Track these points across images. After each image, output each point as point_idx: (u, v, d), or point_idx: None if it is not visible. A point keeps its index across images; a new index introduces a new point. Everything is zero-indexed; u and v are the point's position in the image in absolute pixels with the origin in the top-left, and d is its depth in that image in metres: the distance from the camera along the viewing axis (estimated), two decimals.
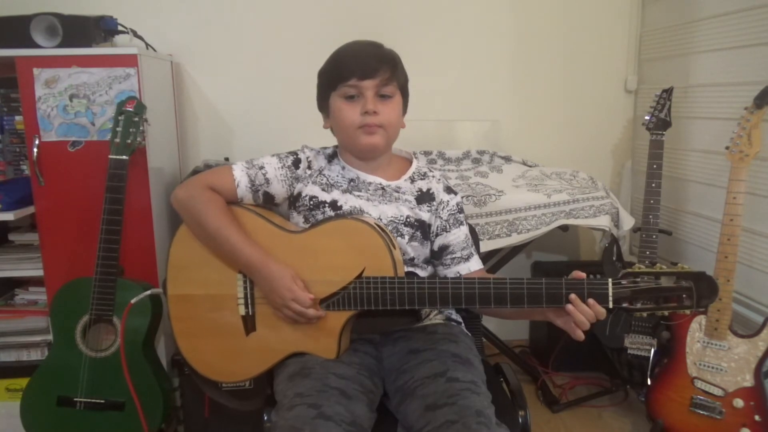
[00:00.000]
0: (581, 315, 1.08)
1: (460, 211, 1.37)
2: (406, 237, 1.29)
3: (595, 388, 2.35)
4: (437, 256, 1.34)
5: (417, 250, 1.31)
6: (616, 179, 2.68)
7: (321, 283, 1.17)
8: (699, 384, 1.78)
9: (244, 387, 1.75)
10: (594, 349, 2.13)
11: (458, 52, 2.50)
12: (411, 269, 1.31)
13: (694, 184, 2.23)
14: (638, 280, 1.08)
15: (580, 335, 1.10)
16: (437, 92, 2.49)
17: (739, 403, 1.72)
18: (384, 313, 1.18)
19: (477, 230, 1.98)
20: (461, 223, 1.36)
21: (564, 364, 2.43)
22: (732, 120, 1.85)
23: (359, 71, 1.24)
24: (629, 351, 2.01)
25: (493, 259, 2.33)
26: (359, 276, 1.15)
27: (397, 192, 1.33)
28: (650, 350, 1.98)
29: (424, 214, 1.32)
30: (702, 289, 1.07)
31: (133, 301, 1.72)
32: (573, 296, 1.08)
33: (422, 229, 1.31)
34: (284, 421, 1.04)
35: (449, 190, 1.37)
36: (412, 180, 1.36)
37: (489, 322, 2.43)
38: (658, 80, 2.45)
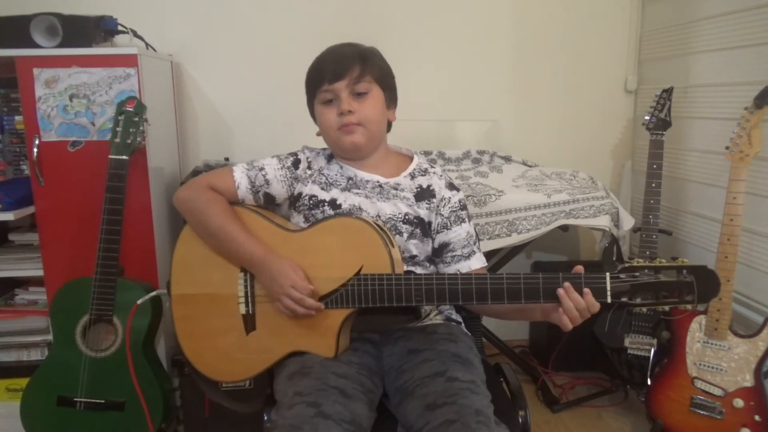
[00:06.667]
0: (570, 302, 1.07)
1: (463, 208, 1.35)
2: (405, 235, 1.29)
3: (595, 388, 2.35)
4: (438, 253, 1.34)
5: (418, 247, 1.30)
6: (616, 179, 2.68)
7: (320, 281, 1.17)
8: (699, 384, 1.78)
9: (244, 387, 1.76)
10: (594, 349, 2.13)
11: (458, 52, 2.50)
12: (412, 267, 1.30)
13: (694, 184, 2.23)
14: (637, 274, 1.06)
15: (566, 323, 1.08)
16: (437, 92, 2.50)
17: (739, 403, 1.72)
18: (383, 311, 1.18)
19: (477, 230, 1.97)
20: (463, 221, 1.34)
21: (564, 364, 2.43)
22: (732, 120, 1.85)
23: (329, 74, 1.26)
24: (629, 351, 2.01)
25: (493, 259, 2.33)
26: (357, 273, 1.15)
27: (396, 189, 1.32)
28: (650, 350, 1.98)
29: (423, 211, 1.31)
30: (703, 284, 1.04)
31: (139, 302, 1.71)
32: (567, 284, 1.07)
33: (421, 226, 1.31)
34: (284, 420, 1.04)
35: (452, 186, 1.36)
36: (413, 176, 1.35)
37: (489, 323, 2.43)
38: (658, 80, 2.45)
